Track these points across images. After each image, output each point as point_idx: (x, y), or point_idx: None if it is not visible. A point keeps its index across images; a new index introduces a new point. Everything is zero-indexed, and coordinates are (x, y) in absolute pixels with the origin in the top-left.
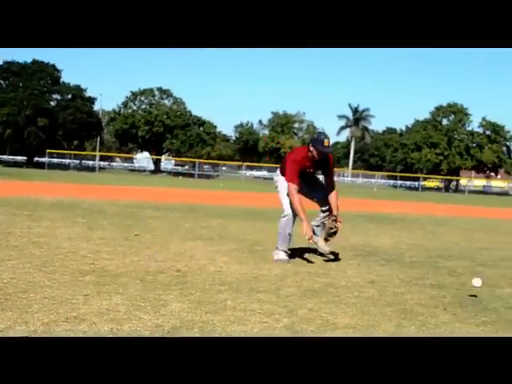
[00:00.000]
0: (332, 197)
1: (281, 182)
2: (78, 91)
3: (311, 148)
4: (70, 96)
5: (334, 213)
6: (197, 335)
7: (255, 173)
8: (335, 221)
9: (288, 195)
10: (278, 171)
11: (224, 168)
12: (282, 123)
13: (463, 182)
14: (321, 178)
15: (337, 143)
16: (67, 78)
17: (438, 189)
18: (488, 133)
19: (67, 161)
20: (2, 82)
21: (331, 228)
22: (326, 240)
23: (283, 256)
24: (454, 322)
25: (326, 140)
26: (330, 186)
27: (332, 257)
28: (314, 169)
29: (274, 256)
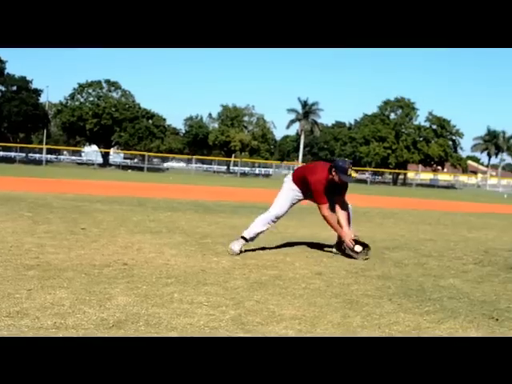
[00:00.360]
0: (344, 216)
1: (286, 187)
2: (23, 83)
3: (333, 173)
4: (15, 88)
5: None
6: (142, 328)
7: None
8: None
9: (327, 220)
10: (290, 176)
11: (174, 161)
12: (232, 116)
13: (411, 175)
14: None
15: (287, 137)
16: (12, 69)
17: (357, 180)
18: (434, 127)
19: (13, 154)
20: None
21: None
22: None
23: (237, 248)
24: (399, 311)
25: (350, 170)
26: (342, 203)
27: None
28: (330, 190)
29: (230, 244)
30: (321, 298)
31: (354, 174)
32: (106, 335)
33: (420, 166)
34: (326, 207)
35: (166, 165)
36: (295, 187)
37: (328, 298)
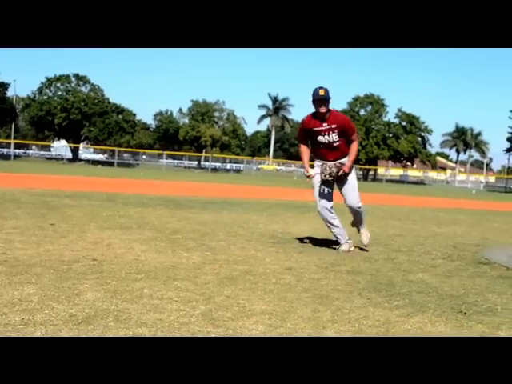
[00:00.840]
0: (351, 147)
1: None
2: None
3: (313, 105)
4: None
5: (346, 161)
6: (111, 324)
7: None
8: (338, 168)
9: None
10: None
11: (144, 157)
12: (202, 112)
13: (381, 171)
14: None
15: (257, 132)
16: None
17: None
18: (404, 124)
19: None
20: None
21: (329, 174)
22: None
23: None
24: (368, 306)
25: (320, 89)
26: (350, 142)
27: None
28: (329, 133)
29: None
30: (291, 292)
31: (321, 92)
32: (75, 331)
33: (390, 162)
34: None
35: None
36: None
37: (298, 293)
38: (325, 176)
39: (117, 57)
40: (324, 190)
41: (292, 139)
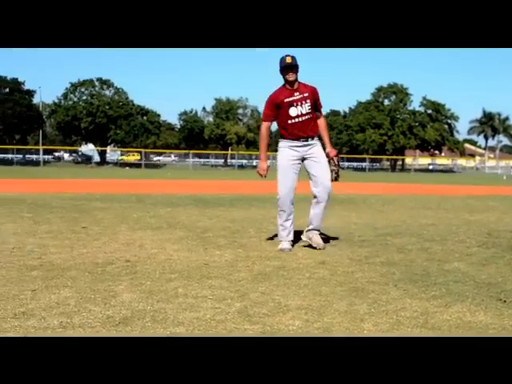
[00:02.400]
0: (321, 124)
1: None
2: (15, 84)
3: (281, 75)
4: (7, 90)
5: (327, 145)
6: (148, 324)
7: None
8: (334, 163)
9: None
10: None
11: (171, 157)
12: (226, 109)
13: (408, 160)
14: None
15: None
16: (3, 71)
17: (355, 168)
18: (429, 112)
19: (10, 156)
20: None
21: (332, 171)
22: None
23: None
24: (405, 297)
25: (287, 57)
26: (317, 116)
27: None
28: (301, 103)
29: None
30: (326, 286)
31: (288, 60)
32: (113, 332)
33: (417, 151)
34: (264, 125)
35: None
36: None
37: (333, 287)
38: (335, 178)
39: (139, 59)
40: (292, 178)
41: None
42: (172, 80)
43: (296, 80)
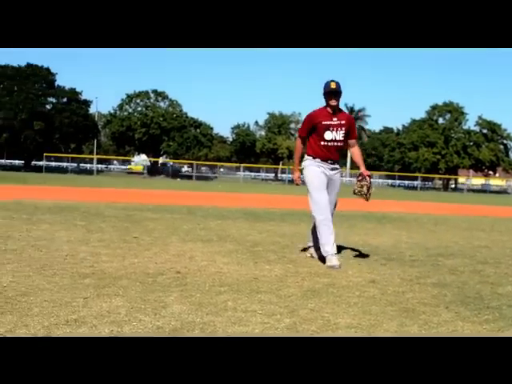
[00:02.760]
0: (355, 152)
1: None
2: (73, 94)
3: (324, 98)
4: (65, 99)
5: (361, 167)
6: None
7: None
8: (367, 180)
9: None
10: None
11: (222, 170)
12: (279, 124)
13: (461, 180)
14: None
15: None
16: (62, 81)
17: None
18: (485, 131)
19: (65, 164)
20: None
21: (368, 189)
22: (366, 198)
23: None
24: (457, 320)
25: (332, 82)
26: (352, 144)
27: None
28: (337, 129)
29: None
30: (376, 306)
31: (333, 85)
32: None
33: (471, 171)
34: (298, 140)
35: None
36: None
37: (383, 306)
38: (362, 193)
39: (194, 71)
40: (325, 187)
41: (369, 149)
42: (226, 93)
43: (337, 106)
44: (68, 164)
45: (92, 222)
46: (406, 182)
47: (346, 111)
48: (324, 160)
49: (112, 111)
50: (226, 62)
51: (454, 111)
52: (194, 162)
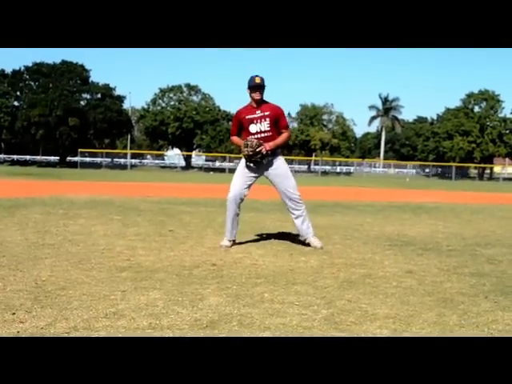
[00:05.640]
0: (282, 134)
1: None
2: (106, 90)
3: (249, 93)
4: (99, 95)
5: (274, 141)
6: (235, 328)
7: None
8: (259, 145)
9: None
10: None
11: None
12: (311, 115)
13: (497, 169)
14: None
15: (367, 134)
16: (96, 77)
17: (441, 176)
18: None
19: (99, 159)
20: (33, 84)
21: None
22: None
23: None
24: (497, 310)
25: (256, 77)
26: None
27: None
28: (261, 121)
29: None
30: (414, 296)
31: (257, 80)
32: (201, 335)
33: (507, 159)
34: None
35: None
36: None
37: (421, 297)
38: (246, 151)
39: (226, 65)
40: (244, 184)
41: (403, 139)
42: None
43: (261, 99)
44: (102, 159)
45: (127, 216)
46: (441, 171)
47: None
48: None
49: (145, 106)
50: (258, 55)
51: (490, 99)
52: (227, 155)
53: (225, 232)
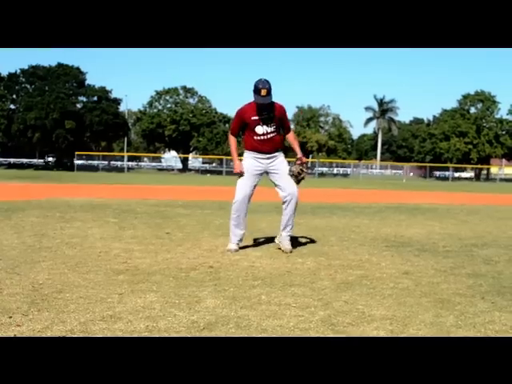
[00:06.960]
0: (290, 137)
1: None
2: (103, 93)
3: (254, 96)
4: (95, 98)
5: (297, 152)
6: (232, 330)
7: None
8: (301, 164)
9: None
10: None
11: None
12: (308, 117)
13: (494, 170)
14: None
15: (364, 135)
16: (92, 80)
17: (438, 177)
18: None
19: (96, 162)
20: (29, 86)
21: (299, 173)
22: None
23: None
24: (493, 310)
25: (262, 89)
26: (287, 132)
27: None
28: (267, 122)
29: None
30: (410, 297)
31: (263, 93)
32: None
33: (503, 160)
34: (232, 138)
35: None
36: None
37: (418, 298)
38: (293, 174)
39: (222, 67)
40: (251, 186)
41: (399, 141)
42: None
43: (268, 101)
44: (99, 162)
45: (124, 219)
46: (438, 173)
47: (377, 104)
48: (259, 152)
49: (142, 109)
50: (255, 57)
51: (486, 100)
52: (224, 157)
53: (230, 236)
